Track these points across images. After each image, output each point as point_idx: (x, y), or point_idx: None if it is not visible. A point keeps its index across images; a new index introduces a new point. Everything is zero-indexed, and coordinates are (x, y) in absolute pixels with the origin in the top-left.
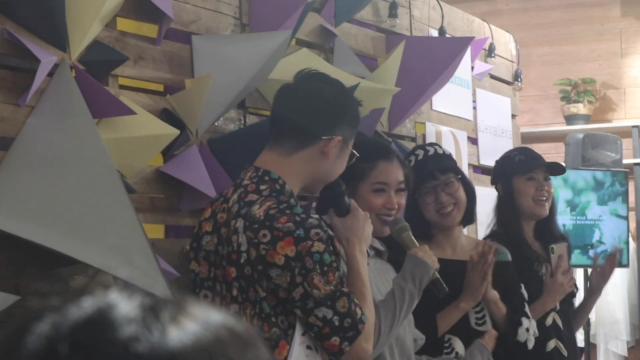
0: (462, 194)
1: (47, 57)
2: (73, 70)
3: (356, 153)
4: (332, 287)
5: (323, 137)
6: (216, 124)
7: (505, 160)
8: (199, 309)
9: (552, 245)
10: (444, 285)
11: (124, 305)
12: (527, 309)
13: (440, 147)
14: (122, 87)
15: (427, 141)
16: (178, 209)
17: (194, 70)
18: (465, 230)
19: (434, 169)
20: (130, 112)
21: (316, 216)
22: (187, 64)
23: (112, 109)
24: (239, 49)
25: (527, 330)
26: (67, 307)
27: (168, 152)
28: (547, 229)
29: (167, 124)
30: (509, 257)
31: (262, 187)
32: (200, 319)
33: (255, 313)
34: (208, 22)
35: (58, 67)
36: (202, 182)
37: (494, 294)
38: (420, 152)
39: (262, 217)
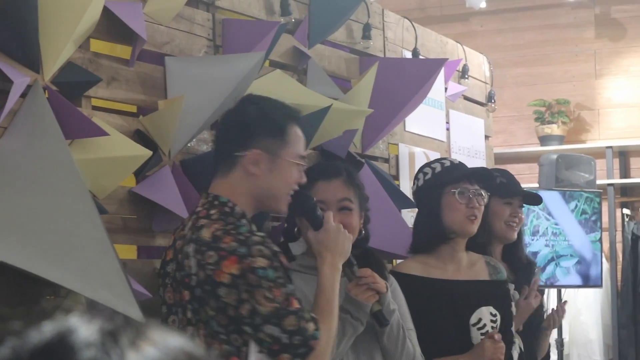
0: (482, 211)
1: (19, 78)
2: (46, 91)
3: (301, 163)
4: (276, 305)
5: (235, 154)
6: (189, 145)
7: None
8: (158, 333)
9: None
10: (385, 317)
11: (84, 330)
12: (513, 327)
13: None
14: (95, 108)
15: (401, 162)
16: (150, 229)
17: (167, 92)
18: None
19: (474, 176)
20: (103, 133)
21: (261, 234)
22: (160, 85)
23: (85, 130)
24: (212, 70)
25: (520, 348)
26: (27, 331)
27: (140, 173)
28: (515, 253)
29: (139, 145)
30: (505, 276)
31: (212, 211)
32: (159, 344)
33: (207, 333)
34: (181, 44)
35: (31, 88)
36: (175, 203)
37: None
38: (455, 161)
39: (209, 239)
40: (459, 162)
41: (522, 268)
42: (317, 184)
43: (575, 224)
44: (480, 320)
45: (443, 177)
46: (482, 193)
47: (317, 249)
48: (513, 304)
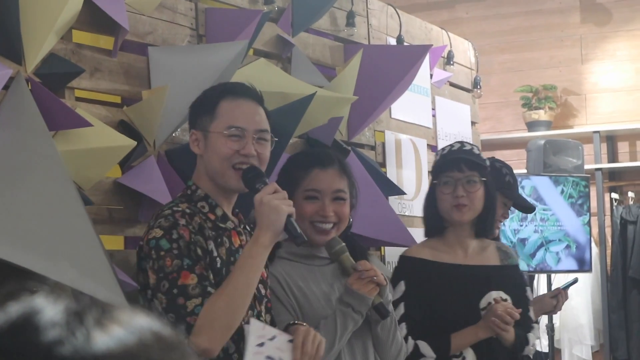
0: (479, 197)
1: (2, 70)
2: (29, 83)
3: (233, 126)
4: (160, 275)
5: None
6: (174, 134)
7: (495, 173)
8: (125, 313)
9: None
10: (387, 308)
11: (49, 310)
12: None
13: (479, 149)
14: (78, 99)
15: (387, 150)
16: (137, 220)
17: (151, 82)
18: None
19: (461, 161)
20: (87, 124)
21: (178, 208)
22: (144, 76)
23: (69, 121)
24: (196, 59)
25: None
26: None
27: (126, 164)
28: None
29: (124, 135)
30: (517, 261)
31: (179, 194)
32: (125, 323)
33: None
34: (164, 34)
35: (13, 80)
36: (160, 193)
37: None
38: (457, 145)
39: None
40: (460, 146)
41: None
42: (312, 171)
43: (568, 208)
44: (489, 304)
45: (436, 166)
46: (475, 179)
47: None
48: (528, 288)
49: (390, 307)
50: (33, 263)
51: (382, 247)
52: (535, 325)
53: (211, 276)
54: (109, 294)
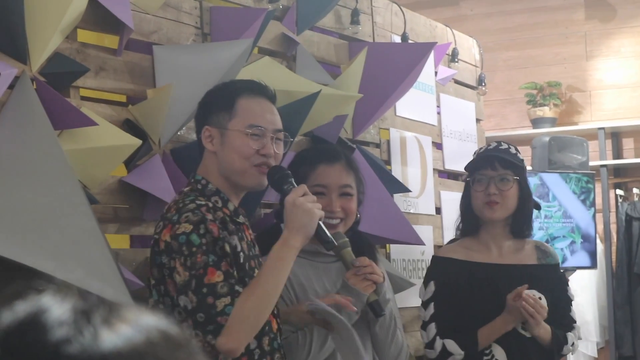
0: (512, 195)
1: (7, 70)
2: (34, 82)
3: (256, 125)
4: (192, 272)
5: (199, 136)
6: (178, 133)
7: None
8: (132, 312)
9: None
10: (382, 306)
11: (56, 309)
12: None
13: (517, 149)
14: (83, 98)
15: (392, 147)
16: (142, 218)
17: (156, 81)
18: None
19: (495, 159)
20: (92, 123)
21: (201, 202)
22: (149, 74)
23: (74, 121)
24: (201, 58)
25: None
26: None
27: (131, 163)
28: None
29: (129, 134)
30: (557, 260)
31: (186, 189)
32: (133, 322)
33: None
34: (169, 32)
35: (19, 80)
36: (165, 192)
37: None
38: (494, 144)
39: (165, 211)
40: (497, 145)
41: None
42: (319, 167)
43: (579, 204)
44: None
45: (471, 164)
46: (509, 178)
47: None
48: (569, 287)
49: (391, 306)
50: (40, 262)
51: (388, 245)
52: (576, 325)
53: (235, 272)
54: (115, 293)
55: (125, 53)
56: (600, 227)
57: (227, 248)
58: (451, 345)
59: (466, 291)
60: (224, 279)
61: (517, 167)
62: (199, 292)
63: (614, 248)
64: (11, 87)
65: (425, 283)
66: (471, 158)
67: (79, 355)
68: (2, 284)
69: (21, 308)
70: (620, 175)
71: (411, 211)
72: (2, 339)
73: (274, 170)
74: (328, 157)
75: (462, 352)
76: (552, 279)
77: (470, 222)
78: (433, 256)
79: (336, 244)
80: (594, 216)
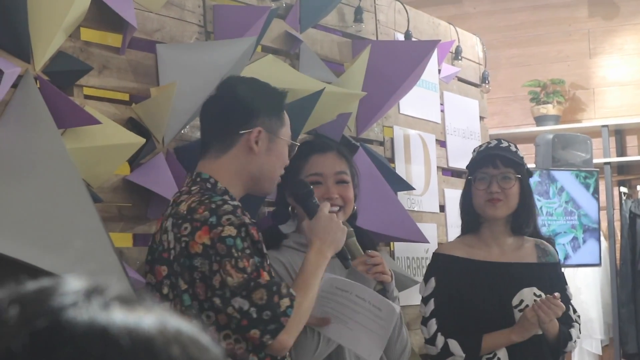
0: (514, 193)
1: (10, 69)
2: (37, 81)
3: (295, 142)
4: (245, 275)
5: (241, 132)
6: (182, 131)
7: None
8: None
9: None
10: (388, 297)
11: (68, 282)
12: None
13: (516, 146)
14: (87, 97)
15: (396, 145)
16: (146, 217)
17: (159, 79)
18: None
19: (496, 157)
20: (96, 121)
21: (235, 203)
22: (152, 73)
23: (77, 119)
24: (204, 56)
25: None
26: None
27: (134, 161)
28: None
29: (132, 132)
30: (557, 259)
31: (194, 187)
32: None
33: (182, 307)
34: (172, 31)
35: (22, 78)
36: (169, 190)
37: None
38: (494, 142)
39: (184, 212)
40: (497, 143)
41: None
42: (311, 158)
43: (592, 200)
44: (522, 302)
45: (472, 162)
46: (510, 176)
47: (309, 236)
48: (568, 287)
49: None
50: (43, 261)
51: (392, 243)
52: (576, 324)
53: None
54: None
55: (129, 51)
56: (604, 224)
57: (265, 250)
58: (454, 345)
59: (466, 288)
60: (270, 279)
61: (518, 165)
62: (259, 292)
63: (617, 245)
64: (14, 86)
65: (426, 279)
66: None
67: (81, 322)
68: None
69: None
70: (624, 172)
71: (415, 209)
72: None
73: (301, 185)
74: (320, 147)
75: (463, 355)
76: (551, 278)
77: (471, 219)
78: (434, 253)
79: (351, 264)
80: (597, 213)
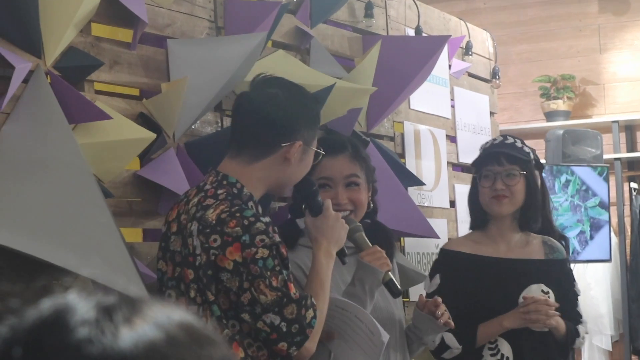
0: (520, 190)
1: (21, 64)
2: (48, 76)
3: (321, 151)
4: (279, 293)
5: (283, 145)
6: (193, 127)
7: None
8: (154, 309)
9: None
10: (398, 286)
11: (80, 307)
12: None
13: (523, 142)
14: (97, 92)
15: (406, 140)
16: (156, 212)
17: (170, 74)
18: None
19: (501, 154)
20: (107, 116)
21: (266, 219)
22: (163, 68)
23: (88, 114)
24: (215, 51)
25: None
26: (25, 309)
27: (145, 156)
28: None
29: (143, 128)
30: (565, 255)
31: (220, 191)
32: (155, 320)
33: (209, 316)
34: (183, 26)
35: (33, 74)
36: (180, 185)
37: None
38: (500, 138)
39: (214, 222)
40: (502, 139)
41: None
42: (322, 161)
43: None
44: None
45: (477, 160)
46: (515, 173)
47: (314, 234)
48: (576, 283)
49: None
50: (54, 256)
51: (402, 238)
52: (583, 320)
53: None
54: (130, 287)
55: (140, 47)
56: (614, 220)
57: (290, 265)
58: (449, 338)
59: (472, 285)
60: (296, 290)
61: (523, 161)
62: (290, 308)
63: (628, 241)
64: (26, 81)
65: (431, 275)
66: None
67: (100, 356)
68: (27, 278)
69: (46, 306)
70: (634, 168)
71: (425, 204)
72: (25, 338)
73: (307, 183)
74: (331, 149)
75: (459, 347)
76: (559, 274)
77: (478, 216)
78: (441, 249)
79: (347, 262)
80: (608, 209)
